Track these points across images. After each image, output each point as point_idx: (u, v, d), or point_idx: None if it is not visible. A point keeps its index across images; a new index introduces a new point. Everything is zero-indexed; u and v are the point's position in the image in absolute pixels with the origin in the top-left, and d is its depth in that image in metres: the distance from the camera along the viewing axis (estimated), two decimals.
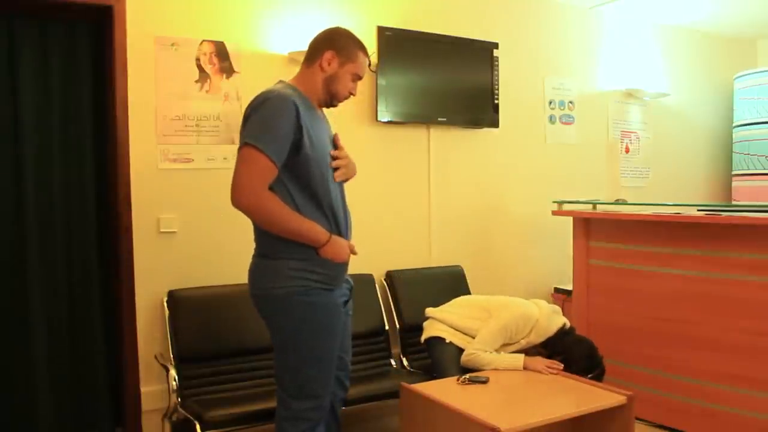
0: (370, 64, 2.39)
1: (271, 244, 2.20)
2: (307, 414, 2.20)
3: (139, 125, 3.02)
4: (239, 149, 2.11)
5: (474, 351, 2.86)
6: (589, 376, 2.80)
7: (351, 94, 2.32)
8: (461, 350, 2.93)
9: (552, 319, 2.96)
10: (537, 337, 2.93)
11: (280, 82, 2.26)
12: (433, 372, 3.00)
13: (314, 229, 2.16)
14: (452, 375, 2.82)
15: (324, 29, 2.33)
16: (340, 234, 2.26)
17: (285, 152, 2.09)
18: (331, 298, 2.25)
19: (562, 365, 2.80)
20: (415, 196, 3.82)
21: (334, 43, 2.25)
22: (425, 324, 3.15)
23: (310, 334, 2.20)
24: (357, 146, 3.59)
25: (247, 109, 2.16)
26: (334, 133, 2.35)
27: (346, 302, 2.37)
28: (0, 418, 2.94)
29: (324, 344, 2.22)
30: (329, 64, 2.24)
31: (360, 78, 2.32)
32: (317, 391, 2.20)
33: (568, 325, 3.02)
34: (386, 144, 3.71)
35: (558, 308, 3.08)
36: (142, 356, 3.03)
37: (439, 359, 2.97)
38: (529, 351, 2.94)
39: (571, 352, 2.86)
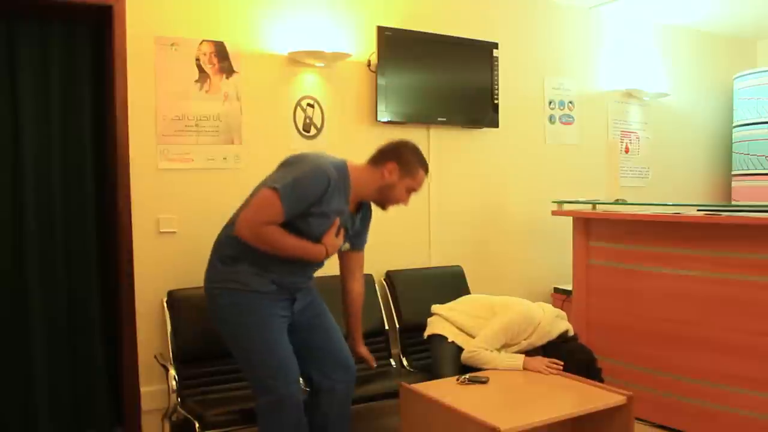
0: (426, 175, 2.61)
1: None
2: (267, 407, 2.38)
3: (139, 125, 3.02)
4: (261, 187, 2.35)
5: (475, 349, 2.86)
6: None
7: (402, 202, 2.56)
8: (461, 350, 2.93)
9: (555, 323, 2.96)
10: (538, 339, 2.93)
11: (344, 161, 2.47)
12: (431, 369, 3.01)
13: (306, 248, 2.39)
14: (448, 373, 2.83)
15: (396, 140, 2.57)
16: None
17: (296, 212, 2.32)
18: (250, 298, 2.41)
19: (563, 364, 2.80)
20: (414, 196, 3.81)
21: (400, 157, 2.49)
22: (430, 320, 3.15)
23: (231, 333, 2.47)
24: (357, 146, 3.59)
25: (290, 157, 2.44)
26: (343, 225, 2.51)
27: (293, 302, 2.52)
28: (0, 417, 2.93)
29: (249, 343, 2.41)
30: (390, 174, 2.48)
31: (415, 192, 2.57)
32: (269, 385, 2.37)
33: (572, 332, 3.02)
34: None
35: (563, 314, 3.08)
36: (142, 356, 3.03)
37: (438, 357, 2.98)
38: (529, 353, 2.94)
39: (569, 358, 2.85)
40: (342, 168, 2.42)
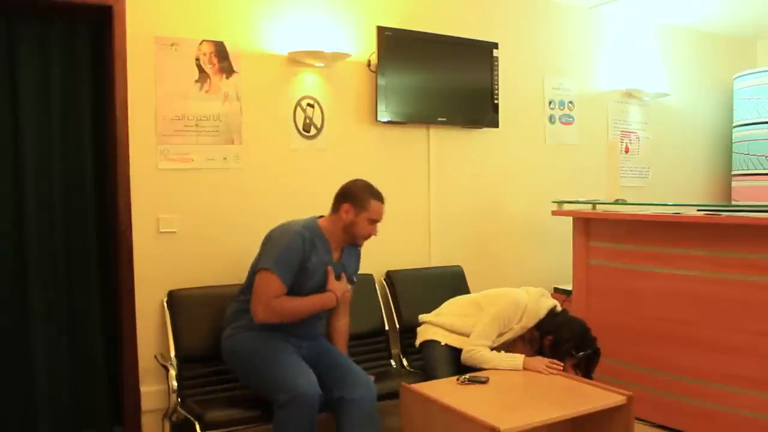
0: (383, 203, 2.79)
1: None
2: (284, 403, 2.44)
3: (139, 125, 3.02)
4: (258, 271, 2.59)
5: (473, 347, 2.87)
6: (581, 354, 2.81)
7: (371, 234, 2.76)
8: (457, 351, 2.94)
9: (540, 302, 2.99)
10: (529, 321, 2.96)
11: (314, 218, 2.76)
12: (425, 373, 3.01)
13: (320, 300, 2.66)
14: (442, 375, 2.84)
15: (346, 182, 2.79)
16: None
17: (292, 276, 2.59)
18: (260, 332, 2.64)
19: (563, 365, 2.81)
20: (415, 196, 3.82)
21: (351, 196, 2.72)
22: (419, 329, 3.17)
23: (243, 360, 2.66)
24: (357, 146, 3.61)
25: (268, 234, 2.68)
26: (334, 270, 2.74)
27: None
28: (0, 417, 2.93)
29: (262, 361, 2.58)
30: (347, 214, 2.70)
31: (377, 221, 2.75)
32: (285, 385, 2.47)
33: (559, 307, 3.05)
34: (386, 144, 3.71)
35: (546, 292, 3.11)
36: (142, 356, 3.03)
37: (432, 359, 2.99)
38: (524, 335, 2.97)
39: (560, 330, 2.88)
40: (312, 225, 2.71)
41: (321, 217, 2.79)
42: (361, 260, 2.96)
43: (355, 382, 2.65)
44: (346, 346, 2.95)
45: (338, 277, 2.73)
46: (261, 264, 2.60)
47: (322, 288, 2.69)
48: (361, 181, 2.80)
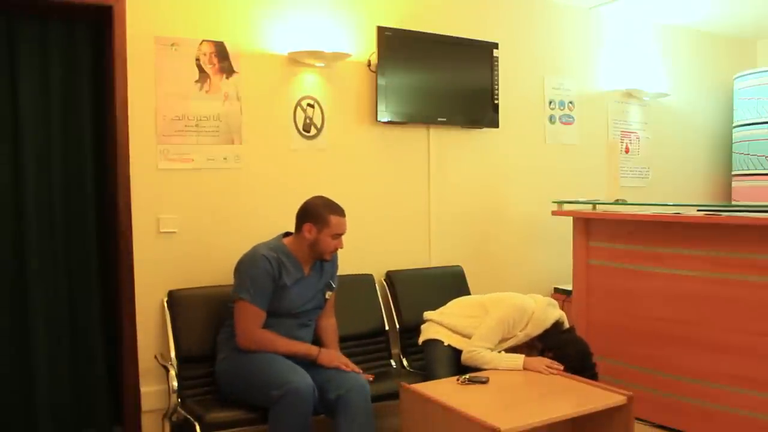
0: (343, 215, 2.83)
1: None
2: (280, 397, 2.48)
3: (139, 125, 3.01)
4: (234, 301, 2.70)
5: (474, 348, 2.87)
6: None
7: (336, 248, 2.82)
8: (459, 352, 2.93)
9: (548, 311, 2.97)
10: (534, 329, 2.94)
11: (278, 237, 2.84)
12: (426, 373, 3.01)
13: (303, 347, 2.75)
14: (442, 375, 2.83)
15: (304, 201, 2.83)
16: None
17: (267, 298, 2.69)
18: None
19: (563, 366, 2.80)
20: (415, 196, 3.82)
21: (311, 216, 2.77)
22: (423, 327, 3.16)
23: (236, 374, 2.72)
24: (357, 146, 3.61)
25: (237, 264, 2.75)
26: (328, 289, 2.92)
27: None
28: (0, 417, 2.93)
29: (254, 368, 2.64)
30: (309, 233, 2.76)
31: (340, 235, 2.80)
32: (280, 381, 2.51)
33: (565, 320, 3.03)
34: (386, 144, 3.71)
35: (554, 302, 3.09)
36: (142, 356, 3.03)
37: (432, 359, 2.98)
38: (528, 343, 2.95)
39: (565, 348, 2.86)
40: (277, 246, 2.78)
41: (286, 234, 2.86)
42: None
43: (343, 380, 2.66)
44: (336, 343, 2.96)
45: (318, 288, 2.85)
46: (236, 293, 2.70)
47: (296, 306, 2.78)
48: (319, 198, 2.84)
